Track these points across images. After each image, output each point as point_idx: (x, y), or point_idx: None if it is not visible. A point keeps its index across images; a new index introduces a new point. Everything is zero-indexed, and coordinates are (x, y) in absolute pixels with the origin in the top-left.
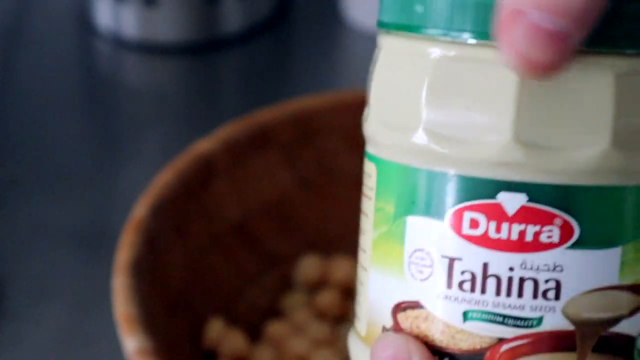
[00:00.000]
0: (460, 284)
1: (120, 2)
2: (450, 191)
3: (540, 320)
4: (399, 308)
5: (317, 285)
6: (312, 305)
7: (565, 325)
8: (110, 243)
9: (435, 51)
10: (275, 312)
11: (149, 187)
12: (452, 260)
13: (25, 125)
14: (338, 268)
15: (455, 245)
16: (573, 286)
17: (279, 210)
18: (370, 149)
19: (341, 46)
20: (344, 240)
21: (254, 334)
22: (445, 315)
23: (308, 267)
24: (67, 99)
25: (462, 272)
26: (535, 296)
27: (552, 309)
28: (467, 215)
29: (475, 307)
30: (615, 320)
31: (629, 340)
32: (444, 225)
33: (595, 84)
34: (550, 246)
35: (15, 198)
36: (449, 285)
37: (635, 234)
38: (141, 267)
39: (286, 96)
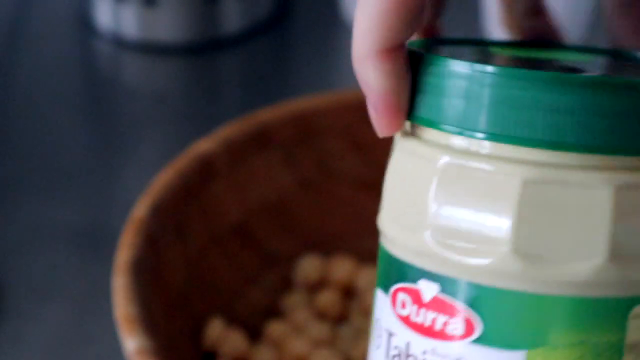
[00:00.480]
0: (393, 358)
1: (120, 2)
2: (392, 270)
3: None
4: None
5: (317, 285)
6: (312, 305)
7: None
8: (110, 243)
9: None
10: (275, 312)
11: (149, 187)
12: (390, 335)
13: (25, 125)
14: (338, 268)
15: (392, 321)
16: None
17: (279, 210)
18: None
19: (341, 46)
20: (344, 240)
21: (254, 334)
22: None
23: (308, 267)
24: (67, 99)
25: (395, 347)
26: None
27: None
28: (400, 296)
29: None
30: None
31: None
32: (387, 300)
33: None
34: (455, 338)
35: (15, 198)
36: (387, 357)
37: (541, 340)
38: (141, 267)
39: (286, 96)
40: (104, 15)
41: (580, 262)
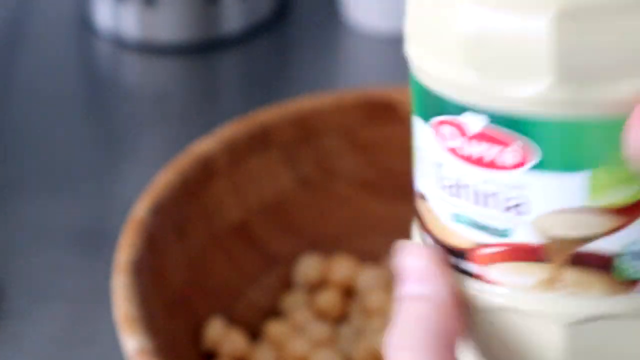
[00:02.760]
0: (447, 188)
1: (120, 2)
2: (430, 103)
3: (510, 231)
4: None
5: (317, 285)
6: (312, 305)
7: (536, 239)
8: (110, 243)
9: None
10: (275, 312)
11: (149, 187)
12: (438, 165)
13: (26, 125)
14: (338, 268)
15: (439, 152)
16: (540, 205)
17: (279, 210)
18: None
19: (341, 46)
20: (344, 240)
21: (254, 334)
22: (439, 213)
23: (308, 267)
24: (67, 99)
25: (447, 178)
26: (503, 209)
27: (522, 223)
28: (444, 129)
29: (459, 212)
30: (588, 239)
31: (605, 259)
32: (430, 130)
33: None
34: (511, 167)
35: (15, 198)
36: (440, 187)
37: (604, 159)
38: (141, 267)
39: (286, 96)
40: (104, 15)
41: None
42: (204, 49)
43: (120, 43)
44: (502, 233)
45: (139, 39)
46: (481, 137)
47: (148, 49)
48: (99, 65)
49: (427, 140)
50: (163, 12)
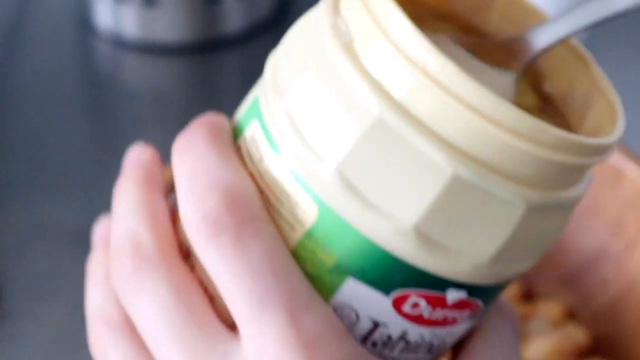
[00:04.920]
0: (374, 343)
1: (120, 2)
2: (406, 276)
3: None
4: None
5: None
6: None
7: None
8: None
9: None
10: None
11: None
12: (376, 324)
13: (25, 125)
14: None
15: (387, 315)
16: (450, 342)
17: None
18: (315, 188)
19: None
20: None
21: None
22: None
23: None
24: (67, 99)
25: (382, 334)
26: (426, 352)
27: (429, 359)
28: (412, 299)
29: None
30: None
31: None
32: (386, 300)
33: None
34: (457, 322)
35: (15, 198)
36: (364, 340)
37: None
38: None
39: None
40: (104, 15)
41: None
42: (204, 49)
43: (120, 43)
44: None
45: (139, 39)
46: (454, 306)
47: (148, 49)
48: (99, 65)
49: (372, 304)
50: (163, 12)
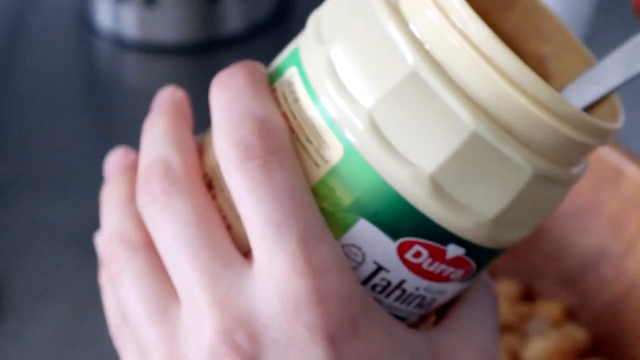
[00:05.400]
0: (373, 286)
1: (120, 2)
2: (415, 225)
3: (405, 319)
4: None
5: None
6: None
7: (415, 320)
8: None
9: None
10: None
11: None
12: (379, 268)
13: (25, 125)
14: None
15: (390, 260)
16: (440, 301)
17: None
18: (345, 130)
19: None
20: None
21: None
22: None
23: None
24: (67, 99)
25: (382, 279)
26: (416, 306)
27: (417, 314)
28: (415, 247)
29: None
30: None
31: None
32: (393, 245)
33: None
34: (451, 280)
35: (15, 198)
36: (364, 282)
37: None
38: None
39: None
40: (104, 15)
41: None
42: (204, 49)
43: (120, 43)
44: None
45: (139, 39)
46: (451, 262)
47: (148, 49)
48: (99, 65)
49: (378, 247)
50: (163, 12)
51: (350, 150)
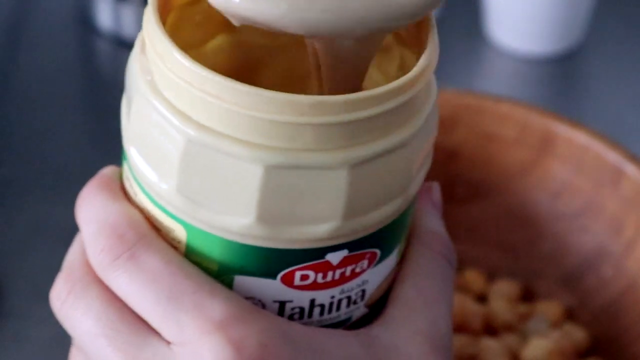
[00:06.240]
0: (290, 316)
1: (120, 2)
2: (280, 259)
3: (350, 318)
4: None
5: None
6: None
7: (366, 311)
8: None
9: None
10: None
11: None
12: (282, 302)
13: (25, 125)
14: None
15: (285, 293)
16: (371, 288)
17: None
18: (173, 210)
19: None
20: None
21: None
22: None
23: None
24: (67, 98)
25: (292, 309)
26: (348, 305)
27: (358, 308)
28: (298, 273)
29: None
30: None
31: None
32: (277, 282)
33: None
34: (361, 272)
35: (15, 198)
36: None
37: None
38: None
39: None
40: (104, 15)
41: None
42: None
43: (120, 43)
44: (344, 323)
45: None
46: (341, 264)
47: None
48: (99, 65)
49: (266, 289)
50: None
51: (188, 227)
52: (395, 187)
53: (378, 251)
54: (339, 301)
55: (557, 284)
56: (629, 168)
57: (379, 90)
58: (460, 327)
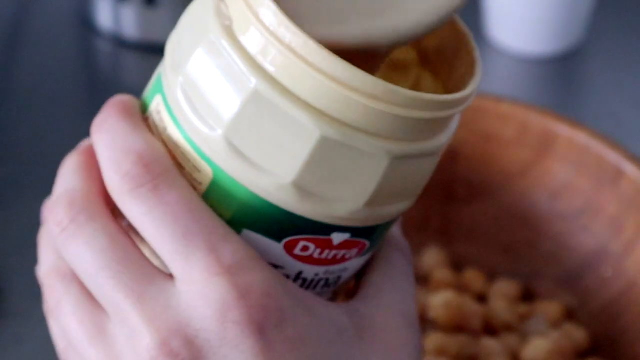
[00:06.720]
0: None
1: (120, 2)
2: (293, 225)
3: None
4: None
5: None
6: None
7: (330, 298)
8: None
9: None
10: None
11: None
12: (275, 267)
13: (26, 125)
14: None
15: (281, 259)
16: (346, 277)
17: None
18: (208, 152)
19: None
20: None
21: None
22: None
23: None
24: (67, 98)
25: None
26: (322, 287)
27: (327, 292)
28: (301, 243)
29: None
30: None
31: None
32: (279, 246)
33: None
34: (348, 259)
35: (15, 198)
36: None
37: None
38: None
39: None
40: (104, 15)
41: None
42: None
43: (120, 43)
44: None
45: (139, 39)
46: (340, 246)
47: (148, 49)
48: (99, 65)
49: (267, 249)
50: (163, 12)
51: (217, 171)
52: (413, 188)
53: (368, 244)
54: (319, 281)
55: (557, 284)
56: (629, 168)
57: (455, 96)
58: (460, 327)
